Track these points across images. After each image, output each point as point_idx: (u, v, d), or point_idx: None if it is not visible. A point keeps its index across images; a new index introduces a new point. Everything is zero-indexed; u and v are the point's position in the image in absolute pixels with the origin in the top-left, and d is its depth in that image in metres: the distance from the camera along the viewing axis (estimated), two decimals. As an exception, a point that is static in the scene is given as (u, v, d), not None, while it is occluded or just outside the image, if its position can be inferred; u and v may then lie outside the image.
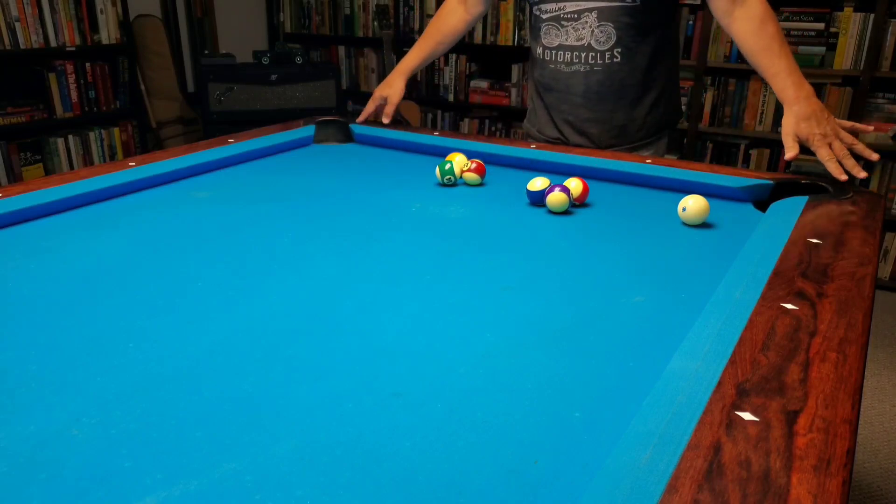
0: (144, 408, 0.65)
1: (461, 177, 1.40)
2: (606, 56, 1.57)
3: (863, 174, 1.28)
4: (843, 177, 1.26)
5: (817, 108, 1.31)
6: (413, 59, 1.81)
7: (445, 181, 1.39)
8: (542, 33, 1.64)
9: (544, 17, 1.61)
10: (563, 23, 1.58)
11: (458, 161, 1.40)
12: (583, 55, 1.58)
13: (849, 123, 1.30)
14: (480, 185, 1.41)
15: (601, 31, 1.55)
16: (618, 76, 1.58)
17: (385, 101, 1.78)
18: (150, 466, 0.57)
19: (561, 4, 1.57)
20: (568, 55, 1.60)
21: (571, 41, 1.59)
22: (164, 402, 0.66)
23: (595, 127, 1.65)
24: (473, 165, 1.39)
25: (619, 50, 1.56)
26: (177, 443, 0.60)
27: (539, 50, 1.67)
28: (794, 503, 0.49)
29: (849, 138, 1.29)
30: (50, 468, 0.57)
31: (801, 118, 1.31)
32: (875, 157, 1.26)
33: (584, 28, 1.56)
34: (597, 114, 1.64)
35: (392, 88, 1.77)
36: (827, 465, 0.52)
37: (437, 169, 1.39)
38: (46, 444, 0.59)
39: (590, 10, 1.54)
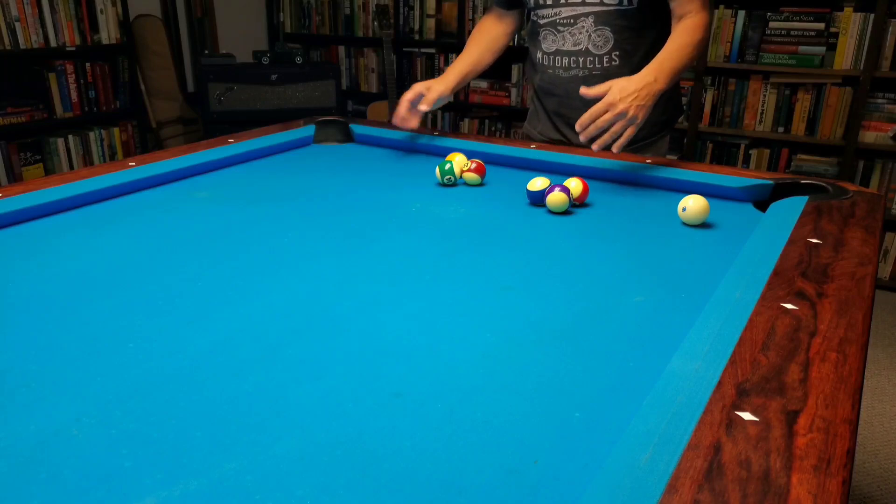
0: (144, 408, 0.65)
1: (461, 177, 1.40)
2: (604, 59, 1.57)
3: (603, 148, 1.34)
4: (594, 145, 1.32)
5: (645, 87, 1.33)
6: (462, 63, 1.68)
7: (445, 181, 1.39)
8: (539, 38, 1.64)
9: (541, 22, 1.61)
10: (559, 28, 1.58)
11: (458, 161, 1.40)
12: (580, 60, 1.58)
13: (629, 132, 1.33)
14: (480, 185, 1.41)
15: (598, 35, 1.55)
16: (616, 79, 1.58)
17: (426, 90, 1.60)
18: (150, 466, 0.57)
19: (557, 10, 1.57)
20: (566, 60, 1.60)
21: (568, 46, 1.58)
22: (164, 402, 0.66)
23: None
24: (473, 165, 1.39)
25: (617, 53, 1.56)
26: (177, 443, 0.60)
27: (538, 55, 1.66)
28: (794, 503, 0.49)
29: (625, 124, 1.31)
30: (50, 468, 0.57)
31: (631, 79, 1.34)
32: (616, 149, 1.32)
33: (580, 33, 1.56)
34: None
35: (436, 81, 1.63)
36: (827, 465, 0.52)
37: (437, 169, 1.39)
38: (46, 444, 0.59)
39: (586, 14, 1.54)
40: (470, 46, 1.73)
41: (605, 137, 1.31)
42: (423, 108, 1.60)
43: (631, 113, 1.30)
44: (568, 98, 1.64)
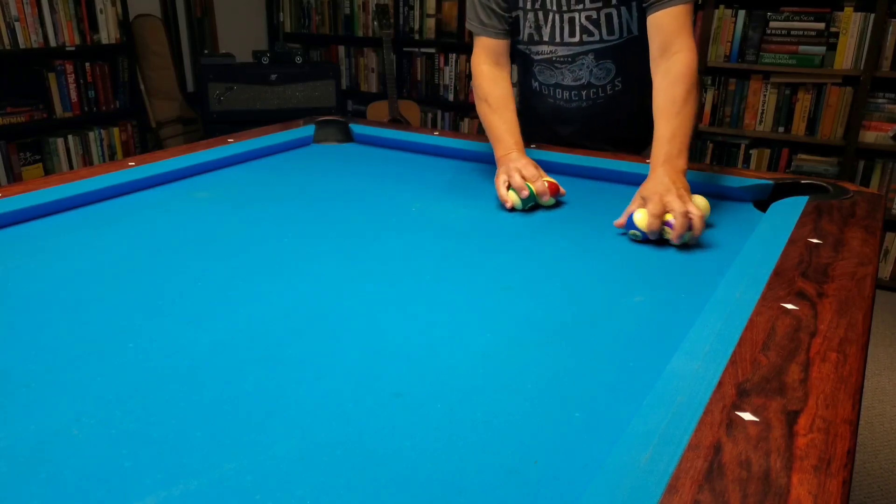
0: (144, 408, 0.65)
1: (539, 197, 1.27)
2: (608, 88, 1.52)
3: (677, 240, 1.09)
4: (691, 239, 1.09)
5: (674, 180, 1.13)
6: (515, 128, 1.43)
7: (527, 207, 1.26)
8: (535, 71, 1.56)
9: (536, 58, 1.53)
10: (556, 65, 1.51)
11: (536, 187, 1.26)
12: (583, 93, 1.53)
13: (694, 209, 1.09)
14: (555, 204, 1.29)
15: (600, 69, 1.48)
16: (622, 101, 1.53)
17: (525, 166, 1.30)
18: (150, 466, 0.57)
19: (553, 48, 1.48)
20: (567, 93, 1.54)
21: (568, 81, 1.52)
22: (164, 402, 0.66)
23: (600, 145, 1.62)
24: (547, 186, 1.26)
25: (620, 79, 1.51)
26: (177, 443, 0.60)
27: (535, 84, 1.60)
28: (795, 503, 0.49)
29: (687, 208, 1.07)
30: (50, 468, 0.56)
31: (654, 181, 1.14)
32: (695, 238, 1.09)
33: (580, 70, 1.49)
34: (603, 134, 1.61)
35: (526, 158, 1.33)
36: (827, 465, 0.52)
37: (518, 199, 1.24)
38: (46, 444, 0.59)
39: (585, 52, 1.46)
40: (503, 111, 1.46)
41: (694, 232, 1.07)
42: (547, 192, 1.28)
43: (678, 199, 1.08)
44: (571, 122, 1.59)
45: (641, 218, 1.09)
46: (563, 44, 1.46)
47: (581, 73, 1.48)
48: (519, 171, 1.27)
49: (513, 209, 1.25)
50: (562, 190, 1.30)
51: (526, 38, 1.51)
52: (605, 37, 1.43)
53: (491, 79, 1.51)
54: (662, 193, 1.10)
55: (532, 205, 1.26)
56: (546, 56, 1.50)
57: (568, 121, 1.61)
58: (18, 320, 0.82)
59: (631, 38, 1.44)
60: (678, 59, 1.28)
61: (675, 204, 1.07)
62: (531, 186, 1.25)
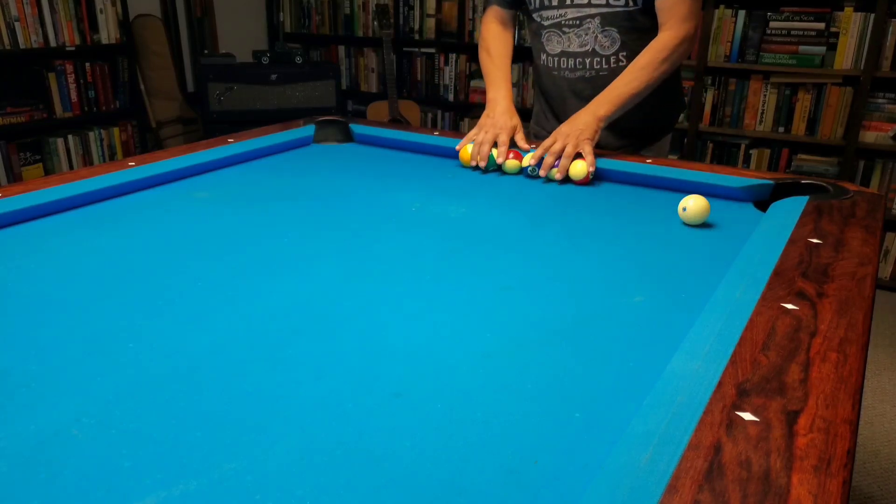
0: (144, 408, 0.65)
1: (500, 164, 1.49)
2: (611, 60, 1.56)
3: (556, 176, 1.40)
4: (541, 168, 1.41)
5: (589, 120, 1.43)
6: (508, 76, 1.66)
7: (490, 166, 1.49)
8: (543, 41, 1.63)
9: (546, 24, 1.60)
10: (564, 29, 1.57)
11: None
12: (587, 61, 1.57)
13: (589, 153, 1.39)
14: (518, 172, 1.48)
15: (605, 36, 1.54)
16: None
17: (503, 132, 1.51)
18: (150, 466, 0.57)
19: (562, 11, 1.55)
20: (572, 62, 1.59)
21: (574, 47, 1.57)
22: (164, 401, 0.66)
23: (603, 130, 1.63)
24: (511, 155, 1.47)
25: (625, 54, 1.54)
26: (177, 443, 0.60)
27: (542, 57, 1.66)
28: (795, 503, 0.49)
29: (576, 149, 1.39)
30: (50, 468, 0.56)
31: (571, 123, 1.44)
32: (559, 177, 1.39)
33: (587, 34, 1.55)
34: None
35: (503, 123, 1.54)
36: (827, 465, 0.52)
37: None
38: (46, 444, 0.59)
39: (591, 16, 1.53)
40: (501, 60, 1.67)
41: (563, 163, 1.39)
42: (525, 145, 1.54)
43: (573, 135, 1.40)
44: (575, 99, 1.61)
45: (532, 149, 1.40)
46: (572, 5, 1.54)
47: (587, 39, 1.55)
48: (493, 140, 1.49)
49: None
50: (521, 160, 1.48)
51: (538, 3, 1.60)
52: (611, 1, 1.51)
53: (496, 35, 1.71)
54: (567, 134, 1.40)
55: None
56: (555, 20, 1.58)
57: (572, 95, 1.62)
58: (18, 320, 0.82)
59: (635, 9, 1.51)
60: (661, 36, 1.48)
61: (569, 149, 1.38)
62: (493, 156, 1.47)
